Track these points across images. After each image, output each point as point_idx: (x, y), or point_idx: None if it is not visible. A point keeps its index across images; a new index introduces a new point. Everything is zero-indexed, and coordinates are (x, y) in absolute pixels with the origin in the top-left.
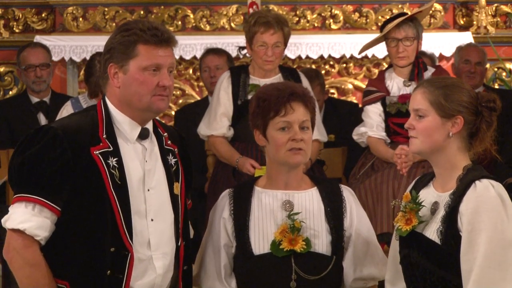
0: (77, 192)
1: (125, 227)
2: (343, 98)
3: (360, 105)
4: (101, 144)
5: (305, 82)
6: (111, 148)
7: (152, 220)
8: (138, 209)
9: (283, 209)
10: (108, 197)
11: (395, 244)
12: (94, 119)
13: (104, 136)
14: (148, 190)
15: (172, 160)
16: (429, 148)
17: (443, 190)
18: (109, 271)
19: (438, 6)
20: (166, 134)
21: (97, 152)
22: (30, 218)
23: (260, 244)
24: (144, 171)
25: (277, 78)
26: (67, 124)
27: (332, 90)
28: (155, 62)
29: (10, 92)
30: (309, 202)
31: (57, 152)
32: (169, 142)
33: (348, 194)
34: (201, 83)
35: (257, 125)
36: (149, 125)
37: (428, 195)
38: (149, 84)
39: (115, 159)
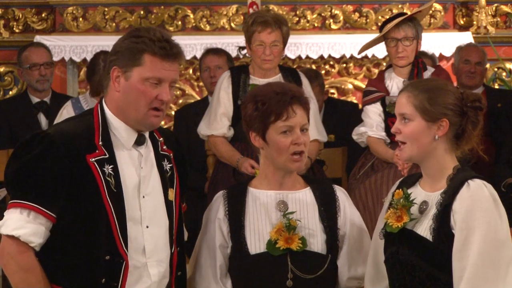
0: (73, 199)
1: (120, 235)
2: (343, 98)
3: (360, 105)
4: (97, 151)
5: (305, 82)
6: (107, 155)
7: (147, 227)
8: (133, 216)
9: (277, 209)
10: (104, 205)
11: (376, 243)
12: (90, 125)
13: (101, 143)
14: (143, 196)
15: (167, 166)
16: (418, 153)
17: (432, 189)
18: (103, 279)
19: (438, 6)
20: (161, 139)
21: (93, 159)
22: (24, 225)
23: (256, 244)
24: (140, 177)
25: (277, 78)
26: (63, 130)
27: (332, 90)
28: (157, 75)
29: (10, 92)
30: (303, 201)
31: (53, 159)
32: (164, 147)
33: (341, 193)
34: (201, 83)
35: (255, 128)
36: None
37: (416, 194)
38: (148, 96)
39: (110, 166)
